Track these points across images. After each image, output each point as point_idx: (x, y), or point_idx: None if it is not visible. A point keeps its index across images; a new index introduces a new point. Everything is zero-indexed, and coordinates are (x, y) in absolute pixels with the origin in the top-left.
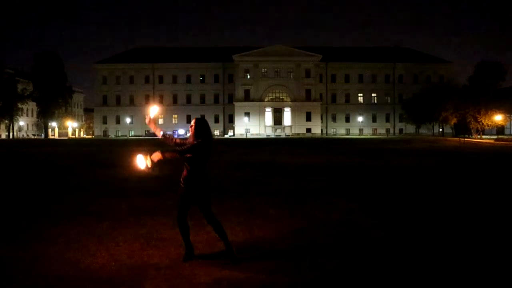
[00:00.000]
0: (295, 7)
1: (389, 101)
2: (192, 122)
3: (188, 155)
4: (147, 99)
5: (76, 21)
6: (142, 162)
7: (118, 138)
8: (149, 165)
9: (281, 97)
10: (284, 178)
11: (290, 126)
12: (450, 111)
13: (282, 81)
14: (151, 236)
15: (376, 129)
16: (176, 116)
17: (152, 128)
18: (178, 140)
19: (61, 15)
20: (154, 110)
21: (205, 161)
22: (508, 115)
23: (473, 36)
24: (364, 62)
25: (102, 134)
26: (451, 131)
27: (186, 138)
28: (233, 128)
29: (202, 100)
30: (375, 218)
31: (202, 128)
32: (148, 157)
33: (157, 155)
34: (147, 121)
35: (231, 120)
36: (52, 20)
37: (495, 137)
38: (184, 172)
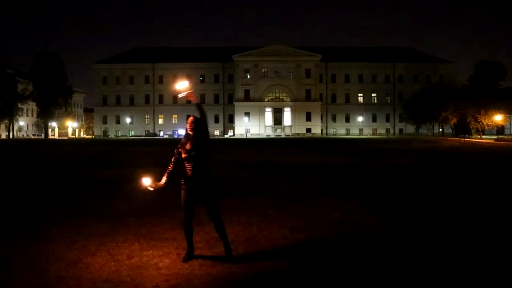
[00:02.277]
0: (296, 7)
1: (389, 101)
2: (190, 120)
3: (193, 153)
4: (147, 99)
5: (76, 21)
6: (147, 181)
7: (118, 138)
8: (151, 189)
9: (281, 97)
10: (284, 178)
11: (290, 126)
12: (450, 111)
13: (282, 81)
14: (151, 236)
15: (376, 129)
16: (176, 116)
17: (192, 98)
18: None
19: (62, 15)
20: (183, 84)
21: (208, 157)
22: (508, 115)
23: (473, 36)
24: (364, 62)
25: (102, 134)
26: (451, 131)
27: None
28: (233, 128)
29: (202, 100)
30: (375, 218)
31: (204, 126)
32: (152, 181)
33: (158, 185)
34: (182, 94)
35: (231, 120)
36: (52, 20)
37: (495, 137)
38: (188, 173)
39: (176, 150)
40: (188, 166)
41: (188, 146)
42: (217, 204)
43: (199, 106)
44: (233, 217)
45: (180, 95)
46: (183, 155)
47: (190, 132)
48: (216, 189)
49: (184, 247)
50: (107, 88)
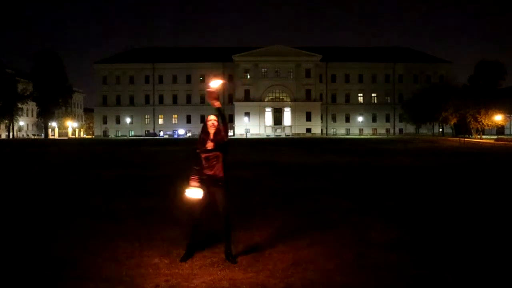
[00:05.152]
0: (295, 7)
1: (389, 101)
2: (213, 119)
3: (218, 153)
4: (147, 99)
5: (76, 21)
6: (195, 193)
7: (118, 138)
8: (202, 191)
9: (281, 97)
10: (284, 178)
11: (290, 126)
12: (450, 111)
13: (282, 81)
14: (151, 236)
15: (376, 129)
16: (176, 116)
17: (212, 99)
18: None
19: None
20: (216, 82)
21: (225, 157)
22: (508, 115)
23: (473, 36)
24: (364, 62)
25: (102, 134)
26: (451, 131)
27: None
28: (233, 128)
29: (202, 100)
30: (375, 218)
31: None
32: (194, 187)
33: (194, 182)
34: (209, 89)
35: (231, 120)
36: (52, 20)
37: (495, 137)
38: (212, 171)
39: (195, 149)
40: (206, 165)
41: (208, 146)
42: (229, 203)
43: (220, 110)
44: (233, 217)
45: (212, 87)
46: (202, 155)
47: (211, 131)
48: (229, 189)
49: (184, 247)
50: (107, 88)
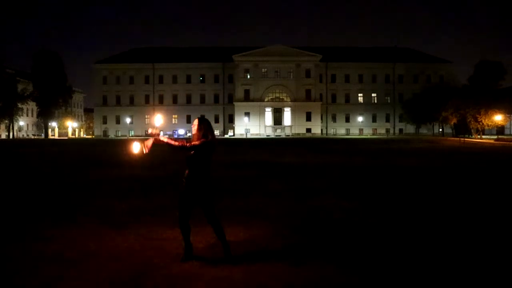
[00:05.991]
0: (295, 7)
1: (389, 101)
2: (195, 122)
3: (194, 156)
4: (147, 99)
5: (76, 21)
6: (137, 147)
7: (118, 138)
8: (145, 150)
9: (281, 97)
10: (284, 178)
11: (290, 126)
12: (450, 111)
13: (282, 81)
14: (151, 236)
15: (376, 129)
16: (176, 116)
17: (157, 140)
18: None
19: (62, 15)
20: (158, 119)
21: (208, 161)
22: (508, 115)
23: (473, 36)
24: (364, 62)
25: (102, 134)
26: (451, 131)
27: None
28: (233, 128)
29: (202, 100)
30: (375, 219)
31: (206, 128)
32: (144, 143)
33: (150, 141)
34: (152, 131)
35: (231, 120)
36: (52, 20)
37: (495, 137)
38: (190, 172)
39: (185, 143)
40: (187, 168)
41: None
42: (213, 208)
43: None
44: (233, 217)
45: (153, 130)
46: (187, 154)
47: (195, 133)
48: (212, 195)
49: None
50: (107, 88)
